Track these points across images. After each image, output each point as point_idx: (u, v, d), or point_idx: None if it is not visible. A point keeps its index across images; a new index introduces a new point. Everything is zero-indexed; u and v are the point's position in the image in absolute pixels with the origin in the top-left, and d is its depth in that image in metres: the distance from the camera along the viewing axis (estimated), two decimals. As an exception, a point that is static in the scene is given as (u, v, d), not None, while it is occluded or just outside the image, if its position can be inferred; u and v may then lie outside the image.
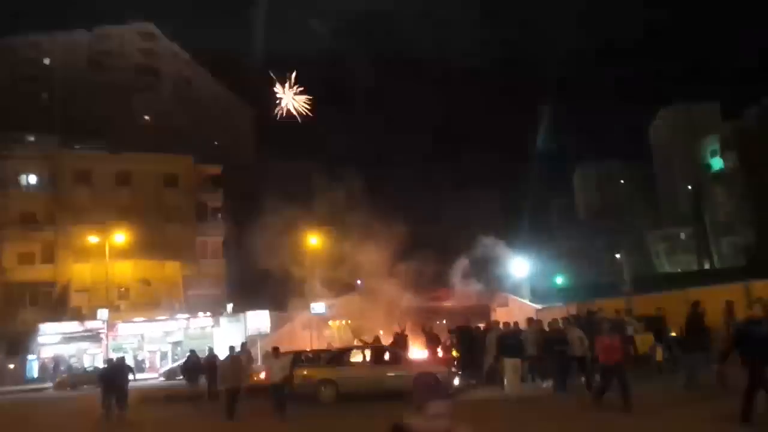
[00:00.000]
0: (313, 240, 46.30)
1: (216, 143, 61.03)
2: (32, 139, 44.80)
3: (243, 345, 17.49)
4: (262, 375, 16.97)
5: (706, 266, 59.50)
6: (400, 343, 17.60)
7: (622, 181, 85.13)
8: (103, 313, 38.52)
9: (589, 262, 70.65)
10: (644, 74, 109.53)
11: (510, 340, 13.95)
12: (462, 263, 49.12)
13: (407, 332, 19.22)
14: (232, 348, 15.90)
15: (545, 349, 13.81)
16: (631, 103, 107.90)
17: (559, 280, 64.00)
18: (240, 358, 15.67)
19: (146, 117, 59.27)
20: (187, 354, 21.13)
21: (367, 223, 48.85)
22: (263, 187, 50.68)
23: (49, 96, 60.17)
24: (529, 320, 16.54)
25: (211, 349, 20.57)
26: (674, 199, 76.88)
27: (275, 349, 14.70)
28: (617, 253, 72.12)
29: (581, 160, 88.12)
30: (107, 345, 38.90)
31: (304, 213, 52.22)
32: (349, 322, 49.06)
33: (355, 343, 39.46)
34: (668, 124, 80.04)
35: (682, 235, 73.74)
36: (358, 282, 48.44)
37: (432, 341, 18.73)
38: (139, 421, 14.68)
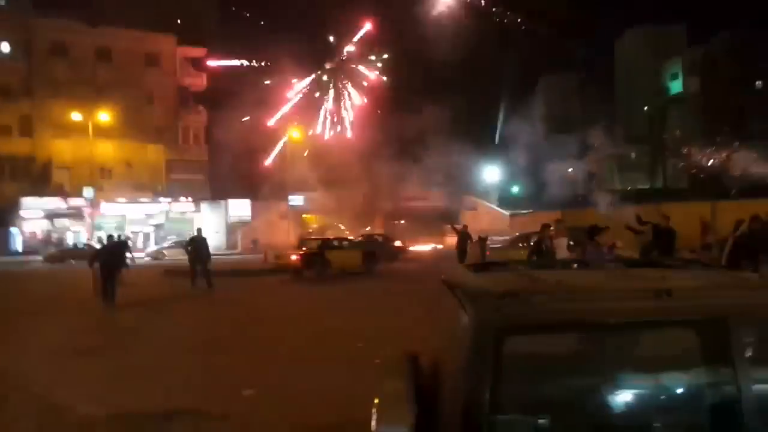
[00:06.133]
0: (295, 133, 46.95)
1: (179, 21, 57.78)
2: (3, 2, 41.77)
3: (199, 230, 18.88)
4: None
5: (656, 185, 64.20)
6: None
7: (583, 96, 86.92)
8: (88, 191, 38.78)
9: (544, 173, 73.62)
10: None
11: None
12: (432, 166, 51.39)
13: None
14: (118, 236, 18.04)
15: None
16: (605, 18, 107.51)
17: (515, 188, 67.36)
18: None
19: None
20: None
21: (343, 121, 49.83)
22: (240, 73, 49.79)
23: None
24: None
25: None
26: (631, 118, 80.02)
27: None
28: (570, 166, 75.89)
29: (547, 71, 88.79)
30: (91, 223, 39.50)
31: (282, 103, 52.21)
32: (312, 216, 51.11)
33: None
34: (633, 43, 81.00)
35: (633, 155, 77.46)
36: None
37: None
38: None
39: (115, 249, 15.02)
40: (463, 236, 19.14)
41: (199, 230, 18.92)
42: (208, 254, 17.52)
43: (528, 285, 2.08)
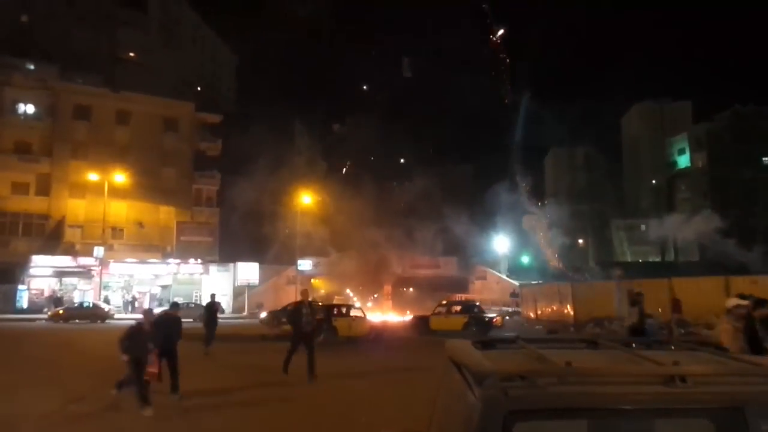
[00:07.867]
0: (306, 198, 47.31)
1: (198, 88, 60.07)
2: (32, 67, 43.62)
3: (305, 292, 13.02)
4: None
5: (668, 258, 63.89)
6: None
7: (590, 169, 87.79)
8: (98, 251, 38.96)
9: (552, 244, 73.52)
10: (626, 66, 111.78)
11: None
12: (443, 235, 51.47)
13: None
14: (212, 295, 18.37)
15: None
16: (610, 95, 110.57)
17: (525, 259, 67.02)
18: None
19: (131, 54, 57.67)
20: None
21: (353, 187, 50.41)
22: (254, 139, 51.03)
23: (28, 19, 56.94)
24: None
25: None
26: (639, 191, 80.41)
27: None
28: (580, 238, 75.89)
29: (554, 144, 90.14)
30: (99, 282, 39.49)
31: (294, 169, 53.13)
32: (316, 281, 50.71)
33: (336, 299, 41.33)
34: (639, 118, 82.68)
35: (643, 227, 77.40)
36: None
37: None
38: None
39: (177, 320, 10.62)
40: (641, 308, 12.61)
41: (304, 292, 12.99)
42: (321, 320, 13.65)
43: (536, 367, 2.03)
